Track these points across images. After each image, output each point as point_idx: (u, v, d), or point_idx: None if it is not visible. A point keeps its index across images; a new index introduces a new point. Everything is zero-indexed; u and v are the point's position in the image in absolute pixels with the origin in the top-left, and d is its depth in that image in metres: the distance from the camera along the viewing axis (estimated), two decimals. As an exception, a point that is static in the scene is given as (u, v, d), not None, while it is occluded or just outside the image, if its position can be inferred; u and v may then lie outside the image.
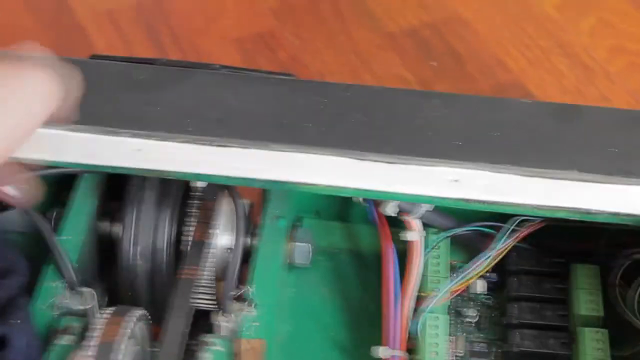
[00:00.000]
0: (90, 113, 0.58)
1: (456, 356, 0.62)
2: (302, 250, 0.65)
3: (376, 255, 0.69)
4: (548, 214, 0.56)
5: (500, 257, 0.63)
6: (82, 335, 0.57)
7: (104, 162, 0.57)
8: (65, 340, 0.56)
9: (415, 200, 0.58)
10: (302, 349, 0.66)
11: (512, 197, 0.56)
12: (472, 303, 0.65)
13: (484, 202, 0.56)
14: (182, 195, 0.64)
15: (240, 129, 0.58)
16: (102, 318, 0.54)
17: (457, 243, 0.66)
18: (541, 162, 0.57)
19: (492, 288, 0.66)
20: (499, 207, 0.56)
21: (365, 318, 0.67)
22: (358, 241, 0.70)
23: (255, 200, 0.67)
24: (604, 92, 0.87)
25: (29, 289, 0.59)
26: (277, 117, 0.59)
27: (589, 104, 0.63)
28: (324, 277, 0.69)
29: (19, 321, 0.55)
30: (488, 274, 0.65)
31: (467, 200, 0.56)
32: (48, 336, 0.57)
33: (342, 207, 0.70)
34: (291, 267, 0.66)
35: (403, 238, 0.62)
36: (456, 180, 0.56)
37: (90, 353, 0.53)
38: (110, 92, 0.60)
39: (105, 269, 0.66)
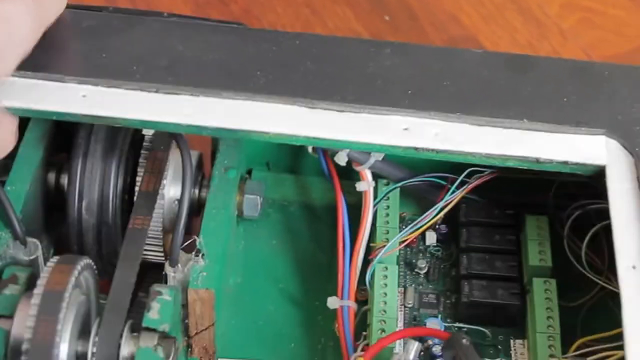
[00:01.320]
0: (36, 59, 0.57)
1: (405, 307, 0.62)
2: (251, 202, 0.65)
3: (327, 207, 0.69)
4: (498, 163, 0.56)
5: (449, 208, 0.63)
6: (28, 285, 0.56)
7: (49, 107, 0.56)
8: (11, 289, 0.55)
9: (366, 149, 0.58)
10: (253, 301, 0.65)
11: (462, 146, 0.56)
12: (422, 255, 0.65)
13: (434, 150, 0.56)
14: (130, 145, 0.63)
15: (189, 77, 0.57)
16: (48, 267, 0.54)
17: (408, 194, 0.66)
18: (492, 111, 0.57)
19: (443, 240, 0.66)
20: (449, 156, 0.56)
21: (316, 270, 0.67)
22: (309, 193, 0.70)
23: (205, 151, 0.66)
24: (557, 48, 0.87)
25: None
26: (227, 65, 0.58)
27: (541, 57, 0.63)
28: (275, 229, 0.69)
29: None
30: (438, 226, 0.65)
31: (417, 149, 0.56)
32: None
33: (293, 159, 0.70)
34: (241, 219, 0.66)
35: (357, 188, 0.62)
36: (406, 129, 0.56)
37: (35, 301, 0.52)
38: (57, 38, 0.59)
39: (53, 220, 0.65)
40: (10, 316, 0.54)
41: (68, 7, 0.62)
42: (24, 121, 0.60)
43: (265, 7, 0.89)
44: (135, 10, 0.63)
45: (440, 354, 0.57)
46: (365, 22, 0.89)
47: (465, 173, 0.61)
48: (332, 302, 0.60)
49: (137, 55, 0.58)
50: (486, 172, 0.62)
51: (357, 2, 0.90)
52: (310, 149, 0.62)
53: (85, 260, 0.55)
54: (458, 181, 0.62)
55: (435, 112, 0.56)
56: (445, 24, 0.90)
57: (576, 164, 0.55)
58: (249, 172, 0.70)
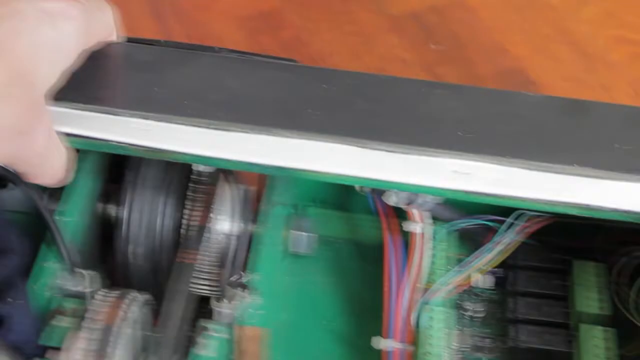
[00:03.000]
0: (90, 93, 0.58)
1: (458, 350, 0.62)
2: (302, 239, 0.65)
3: (377, 245, 0.69)
4: (548, 208, 0.55)
5: (509, 252, 0.62)
6: (81, 317, 0.56)
7: (101, 138, 0.56)
8: (63, 321, 0.56)
9: (416, 191, 0.58)
10: (301, 338, 0.65)
11: (512, 191, 0.55)
12: (477, 297, 0.65)
13: (486, 194, 0.55)
14: (182, 180, 0.63)
15: (241, 113, 0.57)
16: (102, 300, 0.54)
17: (464, 237, 0.66)
18: (543, 156, 0.56)
19: (500, 283, 0.65)
20: (501, 200, 0.55)
21: (365, 309, 0.67)
22: (359, 231, 0.70)
23: (257, 187, 0.66)
24: (603, 81, 0.86)
25: (29, 269, 0.58)
26: (279, 102, 0.58)
27: (588, 92, 0.62)
28: (325, 266, 0.69)
29: (17, 301, 0.55)
30: (495, 269, 0.64)
31: (469, 192, 0.55)
32: (46, 317, 0.57)
33: (343, 196, 0.70)
34: (291, 255, 0.66)
35: (405, 228, 0.61)
36: (457, 172, 0.56)
37: (87, 335, 0.52)
38: (113, 73, 0.60)
39: (103, 252, 0.65)
40: (59, 348, 0.54)
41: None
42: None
43: (314, 35, 0.90)
44: (188, 44, 0.64)
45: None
46: (413, 51, 0.89)
47: (513, 216, 0.61)
48: (379, 343, 0.60)
49: (189, 90, 0.59)
50: (545, 217, 0.61)
51: (406, 30, 0.90)
52: (357, 188, 0.62)
53: (135, 294, 0.55)
54: (506, 224, 0.61)
55: (486, 155, 0.56)
56: (494, 54, 0.89)
57: (627, 211, 0.54)
58: (301, 208, 0.69)
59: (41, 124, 0.51)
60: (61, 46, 0.53)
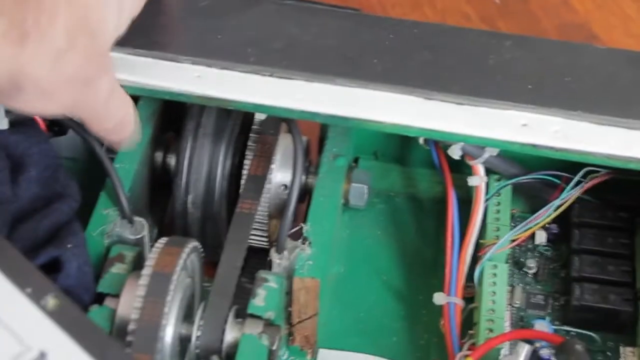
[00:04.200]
0: (151, 38, 0.57)
1: (513, 306, 0.61)
2: (358, 192, 0.64)
3: (433, 200, 0.68)
4: (619, 165, 0.54)
5: (564, 208, 0.61)
6: (135, 264, 0.56)
7: (163, 85, 0.55)
8: (117, 268, 0.55)
9: (482, 144, 0.56)
10: (354, 291, 0.64)
11: (583, 145, 0.54)
12: (531, 254, 0.64)
13: (553, 148, 0.54)
14: (240, 128, 0.62)
15: (304, 62, 0.56)
16: (156, 248, 0.53)
17: (519, 191, 0.64)
18: (615, 110, 0.55)
19: (553, 239, 0.64)
20: (568, 154, 0.54)
21: (420, 263, 0.66)
22: (416, 185, 0.69)
23: (312, 137, 0.65)
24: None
25: (80, 215, 0.58)
26: (343, 51, 0.57)
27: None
28: (380, 220, 0.68)
29: (72, 246, 0.54)
30: (549, 225, 0.63)
31: (536, 146, 0.54)
32: (100, 263, 0.56)
33: (401, 149, 0.68)
34: (347, 208, 0.65)
35: (469, 183, 0.60)
36: (525, 125, 0.54)
37: (143, 282, 0.52)
38: (172, 17, 0.59)
39: (158, 199, 0.65)
40: (116, 295, 0.54)
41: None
42: (134, 99, 0.60)
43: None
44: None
45: (547, 357, 0.55)
46: (475, 4, 0.87)
47: (582, 173, 0.60)
48: (439, 298, 0.59)
49: (253, 37, 0.58)
50: (602, 172, 0.60)
51: (468, -17, 0.88)
52: (421, 140, 0.61)
53: (193, 244, 0.55)
54: (574, 181, 0.60)
55: (556, 109, 0.55)
56: (557, 8, 0.87)
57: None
58: (356, 161, 0.68)
59: (106, 73, 0.50)
60: None
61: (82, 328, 0.44)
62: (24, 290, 0.44)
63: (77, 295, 0.54)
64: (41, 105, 0.48)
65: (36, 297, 0.44)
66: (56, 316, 0.44)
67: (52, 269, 0.53)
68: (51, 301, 0.44)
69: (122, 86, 0.53)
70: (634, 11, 0.87)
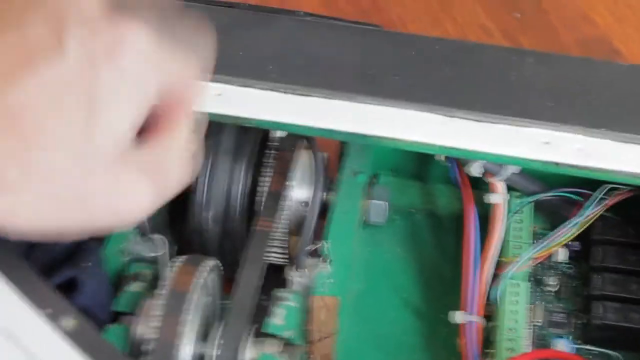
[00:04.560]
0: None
1: (534, 325, 0.60)
2: (378, 208, 0.63)
3: (453, 216, 0.67)
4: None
5: (586, 225, 0.60)
6: (153, 283, 0.55)
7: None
8: (135, 287, 0.55)
9: (503, 162, 0.56)
10: (374, 309, 0.64)
11: (606, 163, 0.53)
12: (552, 271, 0.63)
13: (576, 166, 0.53)
14: (259, 144, 0.62)
15: (324, 79, 0.56)
16: (174, 266, 0.53)
17: (539, 208, 0.64)
18: (637, 127, 0.54)
19: (574, 257, 0.63)
20: (591, 172, 0.54)
21: (439, 281, 0.65)
22: (435, 201, 0.68)
23: (331, 153, 0.65)
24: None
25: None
26: (363, 68, 0.57)
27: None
28: (399, 236, 0.67)
29: (89, 264, 0.54)
30: (571, 243, 0.62)
31: (559, 164, 0.53)
32: (118, 282, 0.56)
33: (420, 166, 0.68)
34: (366, 225, 0.64)
35: (487, 201, 0.60)
36: (547, 143, 0.54)
37: (161, 302, 0.51)
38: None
39: (176, 217, 0.64)
40: (132, 313, 0.53)
41: (198, 1, 0.61)
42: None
43: (394, 0, 0.88)
44: (269, 8, 0.62)
45: (569, 376, 0.55)
46: (495, 18, 0.86)
47: (603, 190, 0.59)
48: (458, 317, 0.58)
49: (273, 54, 0.57)
50: (624, 190, 0.60)
51: (487, -2, 0.88)
52: (441, 157, 0.60)
53: (211, 262, 0.54)
54: (595, 198, 0.59)
55: (578, 127, 0.54)
56: (577, 22, 0.87)
57: None
58: (376, 177, 0.68)
59: None
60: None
61: (99, 349, 0.44)
62: (43, 310, 0.44)
63: (94, 314, 0.54)
64: None
65: (54, 318, 0.44)
66: (74, 337, 0.43)
67: (68, 288, 0.53)
68: (70, 322, 0.44)
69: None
70: (654, 25, 0.87)
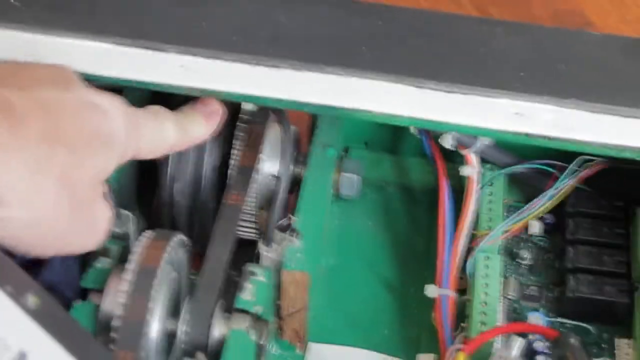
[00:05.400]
0: (134, 27, 0.55)
1: (507, 298, 0.60)
2: (350, 181, 0.63)
3: (426, 190, 0.67)
4: (614, 154, 0.53)
5: (561, 198, 0.60)
6: (121, 259, 0.54)
7: (146, 78, 0.54)
8: (102, 263, 0.54)
9: (475, 133, 0.55)
10: (346, 284, 0.63)
11: (577, 134, 0.53)
12: (525, 244, 0.62)
13: (547, 137, 0.53)
14: (230, 119, 0.61)
15: (292, 50, 0.55)
16: (142, 241, 0.52)
17: (512, 181, 0.63)
18: (609, 98, 0.54)
19: (548, 230, 0.63)
20: (562, 143, 0.53)
21: (412, 255, 0.65)
22: (407, 174, 0.68)
23: (301, 127, 0.64)
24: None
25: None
26: (332, 39, 0.56)
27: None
28: (371, 210, 0.67)
29: None
30: (544, 216, 0.62)
31: (530, 135, 0.53)
32: (85, 258, 0.55)
33: (392, 139, 0.67)
34: (338, 198, 0.64)
35: (461, 173, 0.59)
36: (518, 113, 0.53)
37: (128, 277, 0.50)
38: (155, 5, 0.57)
39: (145, 192, 0.63)
40: (100, 290, 0.53)
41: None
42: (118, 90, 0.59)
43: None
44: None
45: (542, 349, 0.54)
46: (466, -12, 0.86)
47: (577, 162, 0.58)
48: (431, 291, 0.58)
49: (239, 25, 0.56)
50: (597, 161, 0.59)
51: (459, -32, 0.87)
52: (413, 129, 0.60)
53: (179, 237, 0.53)
54: (569, 170, 0.59)
55: (549, 97, 0.53)
56: (550, -7, 0.86)
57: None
58: (346, 151, 0.67)
59: None
60: None
61: (63, 327, 0.43)
62: (3, 288, 0.43)
63: (61, 291, 0.53)
64: None
65: (16, 295, 0.43)
66: (37, 315, 0.42)
67: (35, 263, 0.52)
68: (32, 299, 0.43)
69: (103, 77, 0.52)
70: (627, -4, 0.86)
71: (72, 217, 0.48)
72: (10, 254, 0.46)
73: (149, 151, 0.53)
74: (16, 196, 0.44)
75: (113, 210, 0.52)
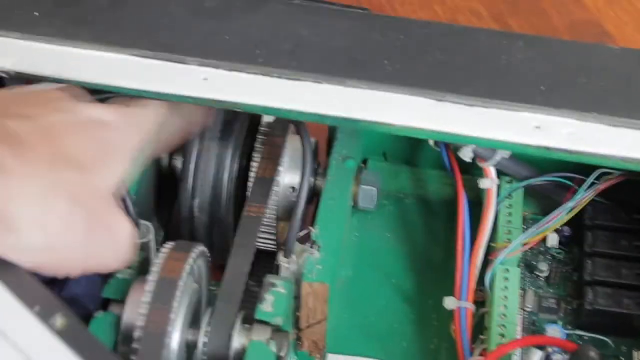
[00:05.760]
0: (157, 40, 0.56)
1: (525, 311, 0.60)
2: (368, 194, 0.63)
3: (443, 202, 0.67)
4: (633, 167, 0.53)
5: (577, 210, 0.60)
6: (141, 269, 0.55)
7: (169, 91, 0.54)
8: (123, 273, 0.55)
9: (495, 147, 0.55)
10: (364, 296, 0.63)
11: (597, 148, 0.53)
12: (543, 257, 0.63)
13: (567, 151, 0.53)
14: (247, 130, 0.61)
15: (313, 63, 0.55)
16: (163, 253, 0.52)
17: (530, 194, 0.63)
18: (629, 111, 0.54)
19: (565, 243, 0.63)
20: (582, 157, 0.53)
21: (430, 267, 0.65)
22: (425, 187, 0.68)
23: (319, 139, 0.64)
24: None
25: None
26: (353, 53, 0.56)
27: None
28: (389, 222, 0.67)
29: None
30: (561, 228, 0.62)
31: (550, 149, 0.53)
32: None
33: (410, 151, 0.68)
34: (355, 210, 0.64)
35: (480, 185, 0.59)
36: (538, 127, 0.53)
37: (149, 288, 0.51)
38: (178, 18, 0.58)
39: (163, 203, 0.64)
40: (122, 301, 0.53)
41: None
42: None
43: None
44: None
45: (560, 360, 0.54)
46: (485, 2, 0.86)
47: (596, 175, 0.59)
48: (450, 303, 0.58)
49: (261, 38, 0.57)
50: (615, 175, 0.59)
51: (478, -20, 0.87)
52: (432, 142, 0.60)
53: (200, 248, 0.54)
54: (588, 183, 0.59)
55: (569, 111, 0.54)
56: (568, 6, 0.86)
57: None
58: (365, 162, 0.67)
59: None
60: None
61: (89, 347, 0.44)
62: (32, 309, 0.44)
63: (84, 304, 0.53)
64: None
65: (45, 316, 0.43)
66: (64, 335, 0.43)
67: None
68: (59, 320, 0.43)
69: (125, 89, 0.53)
70: (645, 7, 0.86)
71: (89, 236, 0.48)
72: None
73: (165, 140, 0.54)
74: (26, 222, 0.45)
75: (134, 225, 0.53)
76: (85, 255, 0.49)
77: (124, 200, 0.56)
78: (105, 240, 0.50)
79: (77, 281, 0.52)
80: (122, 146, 0.51)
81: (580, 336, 0.59)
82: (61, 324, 0.43)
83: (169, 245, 0.53)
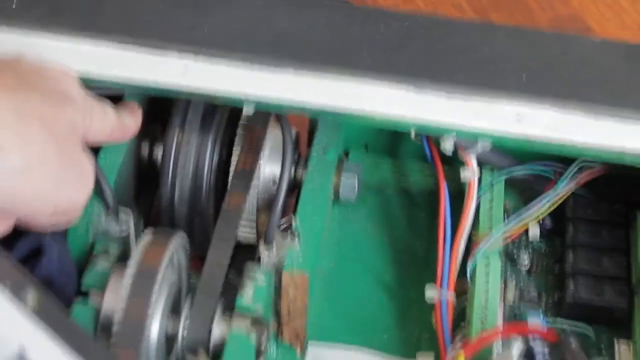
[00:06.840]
0: (136, 28, 0.56)
1: (505, 302, 0.60)
2: (349, 185, 0.63)
3: (425, 193, 0.67)
4: (614, 157, 0.53)
5: (559, 202, 0.60)
6: (120, 258, 0.55)
7: (148, 79, 0.54)
8: (102, 263, 0.54)
9: (475, 137, 0.55)
10: (345, 287, 0.63)
11: (577, 138, 0.53)
12: (524, 249, 0.62)
13: (548, 141, 0.53)
14: (228, 121, 0.61)
15: (293, 54, 0.55)
16: (142, 242, 0.52)
17: (511, 184, 0.63)
18: (609, 102, 0.54)
19: (546, 234, 0.63)
20: (562, 147, 0.53)
21: (411, 257, 0.65)
22: (407, 177, 0.68)
23: (300, 130, 0.64)
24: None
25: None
26: (333, 44, 0.56)
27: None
28: (370, 213, 0.67)
29: (52, 233, 0.53)
30: (542, 219, 0.62)
31: (529, 138, 0.53)
32: (85, 258, 0.55)
33: (391, 142, 0.67)
34: (337, 201, 0.64)
35: (461, 176, 0.59)
36: (519, 117, 0.53)
37: (127, 280, 0.50)
38: (157, 8, 0.58)
39: (144, 192, 0.64)
40: (101, 289, 0.53)
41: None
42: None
43: (364, -24, 0.87)
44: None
45: (541, 351, 0.54)
46: (467, -5, 0.86)
47: (576, 165, 0.59)
48: (431, 293, 0.58)
49: (241, 28, 0.57)
50: (596, 166, 0.59)
51: (460, -25, 0.87)
52: (413, 134, 0.60)
53: (179, 239, 0.54)
54: (569, 174, 0.59)
55: (550, 101, 0.54)
56: (551, 1, 0.87)
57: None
58: (346, 154, 0.67)
59: None
60: None
61: (62, 324, 0.43)
62: (3, 283, 0.43)
63: (60, 283, 0.53)
64: None
65: (16, 292, 0.43)
66: (36, 311, 0.43)
67: (32, 256, 0.53)
68: (31, 295, 0.43)
69: (104, 78, 0.53)
70: (628, 3, 0.86)
71: (60, 162, 0.49)
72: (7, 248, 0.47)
73: (97, 130, 0.53)
74: (7, 141, 0.47)
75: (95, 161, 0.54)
76: (57, 188, 0.49)
77: (102, 190, 0.56)
78: (76, 174, 0.51)
79: (51, 258, 0.52)
80: (76, 100, 0.52)
81: (561, 328, 0.59)
82: (33, 299, 0.43)
83: (148, 234, 0.53)
